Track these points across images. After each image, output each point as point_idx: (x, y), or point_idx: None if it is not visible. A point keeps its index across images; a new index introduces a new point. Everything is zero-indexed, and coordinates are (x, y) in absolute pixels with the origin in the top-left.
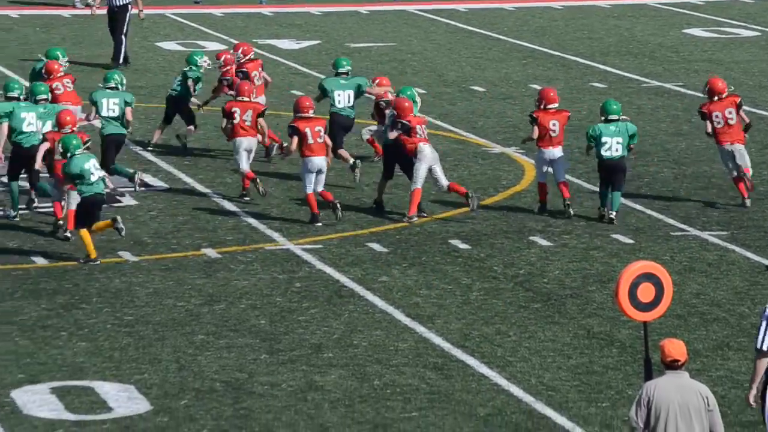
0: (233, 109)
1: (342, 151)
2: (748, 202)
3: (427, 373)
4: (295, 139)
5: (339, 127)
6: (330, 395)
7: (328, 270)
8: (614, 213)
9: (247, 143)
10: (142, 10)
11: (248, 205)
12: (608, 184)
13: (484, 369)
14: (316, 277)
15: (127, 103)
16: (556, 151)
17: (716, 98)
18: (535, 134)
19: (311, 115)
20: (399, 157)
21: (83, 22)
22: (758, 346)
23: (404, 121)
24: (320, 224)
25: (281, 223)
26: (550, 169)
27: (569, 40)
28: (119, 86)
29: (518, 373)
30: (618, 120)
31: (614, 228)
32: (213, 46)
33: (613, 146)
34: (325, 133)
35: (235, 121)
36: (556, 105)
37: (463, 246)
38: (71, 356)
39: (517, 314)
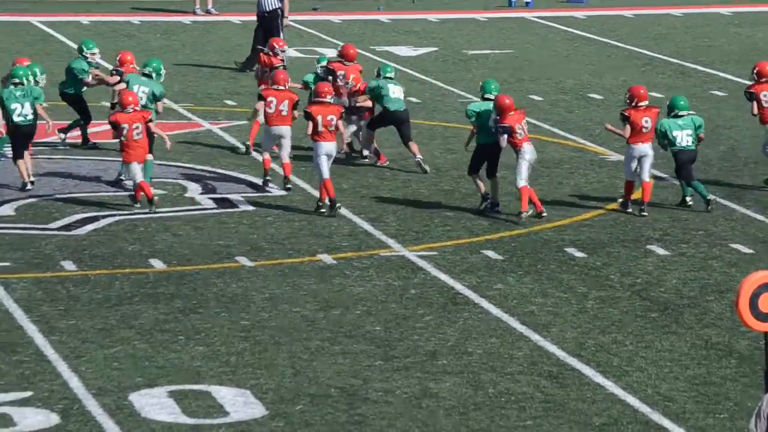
0: (269, 98)
1: (412, 144)
2: None
3: (542, 381)
4: (310, 124)
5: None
6: (444, 402)
7: (443, 277)
8: (711, 196)
9: (277, 131)
10: (287, 17)
11: (364, 211)
12: (686, 174)
13: (599, 378)
14: (431, 284)
15: (155, 96)
16: (646, 147)
17: (764, 80)
18: (627, 132)
19: (328, 101)
20: (487, 155)
21: (203, 28)
22: None
23: (505, 125)
24: (323, 211)
25: (397, 229)
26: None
27: (688, 47)
28: (154, 75)
29: (634, 383)
30: (685, 115)
31: (733, 237)
32: (331, 52)
33: (683, 138)
34: (339, 119)
35: (270, 110)
36: (646, 102)
37: (579, 254)
38: (188, 360)
39: (633, 323)
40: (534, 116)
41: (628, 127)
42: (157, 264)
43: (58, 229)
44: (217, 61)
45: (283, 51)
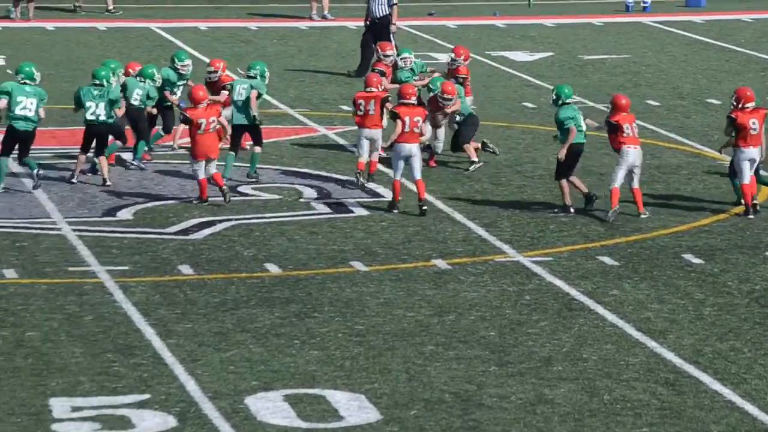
0: (359, 101)
1: (468, 147)
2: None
3: (658, 388)
4: (399, 124)
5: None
6: (559, 409)
7: (558, 283)
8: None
9: (369, 133)
10: (394, 23)
11: (479, 216)
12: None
13: (717, 386)
14: (546, 290)
15: (149, 97)
16: (756, 151)
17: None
18: (732, 135)
19: (413, 102)
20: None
21: (319, 34)
22: None
23: (611, 121)
24: (396, 211)
25: (511, 234)
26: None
27: None
28: (259, 76)
29: (753, 391)
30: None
31: None
32: (445, 58)
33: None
34: (424, 122)
35: (359, 113)
36: (753, 104)
37: (696, 261)
38: (303, 364)
39: (752, 331)
40: (651, 121)
41: (732, 129)
42: (273, 268)
43: (175, 233)
44: (333, 67)
45: (387, 56)
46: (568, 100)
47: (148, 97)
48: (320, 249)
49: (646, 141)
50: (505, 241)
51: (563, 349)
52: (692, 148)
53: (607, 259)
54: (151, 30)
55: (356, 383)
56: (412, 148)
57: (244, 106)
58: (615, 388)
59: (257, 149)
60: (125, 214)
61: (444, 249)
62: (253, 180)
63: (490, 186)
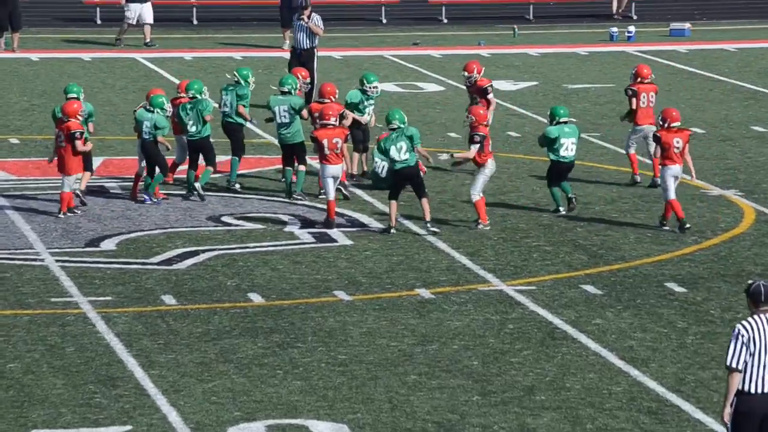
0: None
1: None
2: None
3: (641, 417)
4: (319, 148)
5: None
6: None
7: (542, 312)
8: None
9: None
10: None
11: (462, 245)
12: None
13: (699, 414)
14: (529, 319)
15: (293, 110)
16: (679, 168)
17: (647, 81)
18: (658, 153)
19: (332, 123)
20: None
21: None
22: (728, 363)
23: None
24: (334, 229)
25: (495, 263)
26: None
27: None
28: (293, 91)
29: None
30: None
31: None
32: (431, 87)
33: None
34: (344, 142)
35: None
36: (678, 124)
37: (679, 289)
38: (286, 394)
39: None
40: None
41: (658, 148)
42: (256, 298)
43: (158, 263)
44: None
45: (306, 83)
46: (562, 120)
47: (156, 127)
48: (303, 278)
49: (628, 170)
50: (489, 269)
51: (546, 378)
52: None
53: (590, 288)
54: (136, 60)
55: (339, 413)
56: (338, 170)
57: (286, 125)
58: (598, 417)
59: (302, 168)
60: (108, 245)
61: (428, 278)
62: (299, 198)
63: (474, 215)
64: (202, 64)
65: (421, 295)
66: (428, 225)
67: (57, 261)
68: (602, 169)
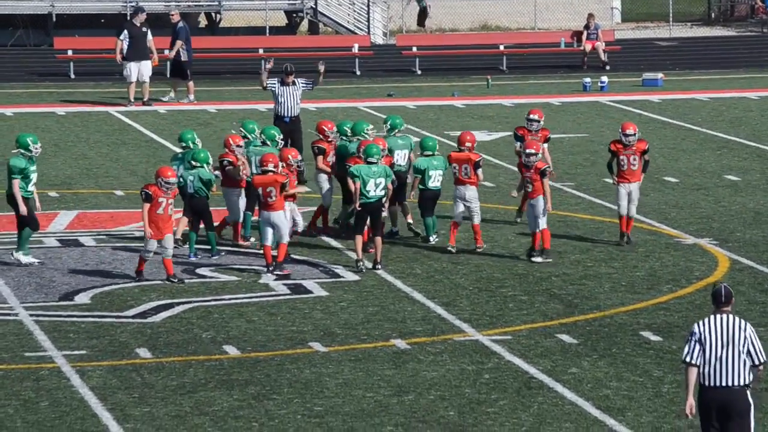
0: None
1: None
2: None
3: None
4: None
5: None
6: None
7: (517, 361)
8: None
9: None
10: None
11: (438, 295)
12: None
13: None
14: (505, 369)
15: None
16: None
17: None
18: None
19: (270, 169)
20: None
21: None
22: (684, 358)
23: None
24: (269, 273)
25: (470, 313)
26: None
27: (765, 130)
28: (191, 144)
29: None
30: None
31: None
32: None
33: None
34: (278, 190)
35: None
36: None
37: (654, 338)
38: None
39: None
40: (609, 199)
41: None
42: (231, 350)
43: (133, 316)
44: None
45: (239, 146)
46: (426, 152)
47: (202, 182)
48: (279, 330)
49: (604, 219)
50: (464, 320)
51: (522, 428)
52: (649, 226)
53: (565, 337)
54: (110, 114)
55: None
56: (272, 216)
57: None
58: None
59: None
60: (83, 298)
61: (403, 328)
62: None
63: (449, 265)
64: (177, 117)
65: (397, 345)
66: (378, 266)
67: (31, 315)
68: (577, 218)
